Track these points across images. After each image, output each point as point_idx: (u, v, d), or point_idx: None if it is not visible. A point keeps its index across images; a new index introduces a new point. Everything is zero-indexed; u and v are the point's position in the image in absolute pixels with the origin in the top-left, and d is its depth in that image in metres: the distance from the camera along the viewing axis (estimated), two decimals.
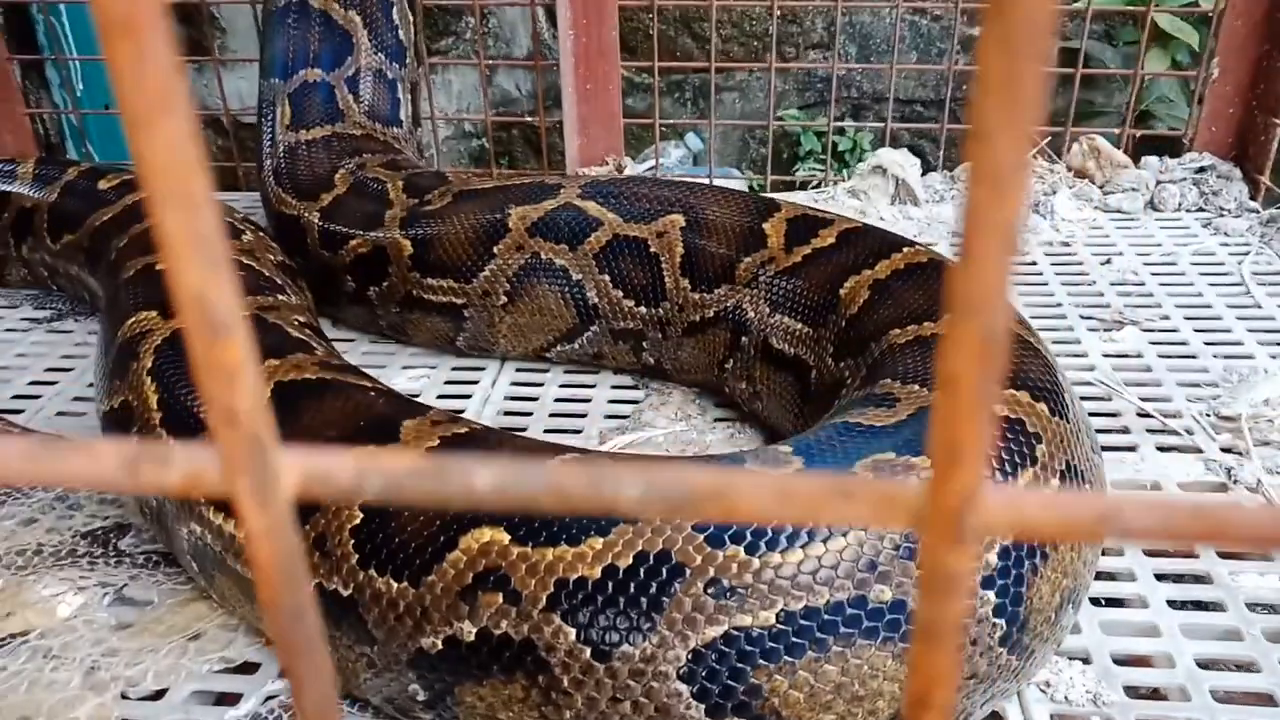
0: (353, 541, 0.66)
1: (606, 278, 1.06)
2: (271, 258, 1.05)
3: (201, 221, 0.13)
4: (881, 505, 0.14)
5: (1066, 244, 1.35)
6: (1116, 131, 1.48)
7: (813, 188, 1.95)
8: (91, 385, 1.12)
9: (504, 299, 1.08)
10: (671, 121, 1.95)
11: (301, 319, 0.93)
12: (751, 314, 1.00)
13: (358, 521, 0.67)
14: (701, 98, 2.14)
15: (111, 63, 0.12)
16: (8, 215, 1.27)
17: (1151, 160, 1.47)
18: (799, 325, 0.96)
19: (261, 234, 1.10)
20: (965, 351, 0.13)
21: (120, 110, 0.12)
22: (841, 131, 2.09)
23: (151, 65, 0.12)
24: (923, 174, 1.51)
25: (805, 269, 0.98)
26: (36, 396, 1.11)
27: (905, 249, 0.97)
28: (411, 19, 1.40)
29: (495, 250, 1.07)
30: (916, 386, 0.76)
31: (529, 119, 1.63)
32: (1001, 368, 0.13)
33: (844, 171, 2.06)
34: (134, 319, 0.88)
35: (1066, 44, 2.07)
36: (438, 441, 0.72)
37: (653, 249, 1.05)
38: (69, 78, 1.67)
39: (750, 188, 2.08)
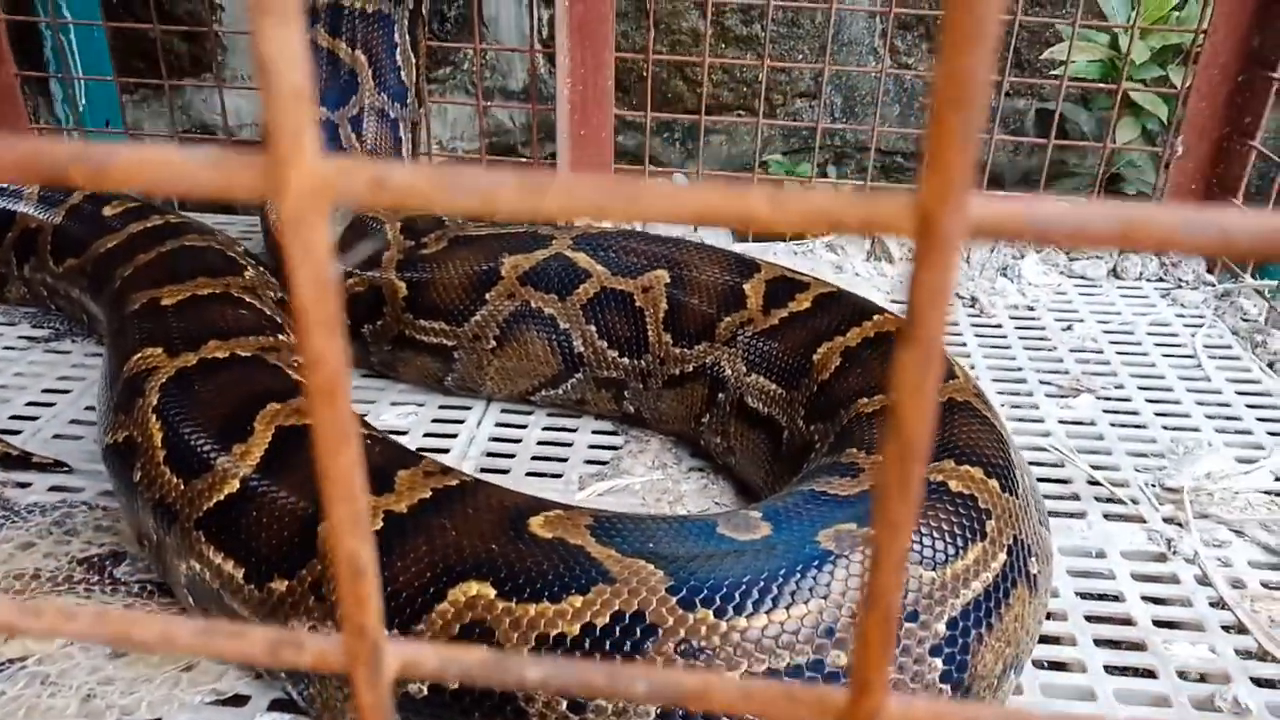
0: None
1: (593, 328, 1.11)
2: (271, 294, 1.09)
3: (358, 507, 0.17)
4: (816, 709, 0.19)
5: (1031, 308, 1.41)
6: (1085, 199, 1.55)
7: (792, 237, 2.01)
8: (89, 409, 1.16)
9: (493, 343, 1.13)
10: (662, 170, 2.01)
11: (300, 359, 0.98)
12: (729, 372, 1.05)
13: None
14: (690, 138, 2.20)
15: (309, 396, 0.17)
16: (11, 234, 1.31)
17: None
18: (773, 386, 1.01)
19: (262, 269, 1.14)
20: (872, 626, 0.19)
21: (307, 401, 0.17)
22: (824, 176, 2.16)
23: (340, 406, 0.17)
24: None
25: (781, 332, 1.03)
26: (34, 418, 1.14)
27: (876, 316, 1.02)
28: (414, 61, 1.44)
29: (487, 296, 1.11)
30: (880, 457, 0.82)
31: (524, 158, 1.68)
32: (891, 644, 0.18)
33: None
34: (140, 355, 0.92)
35: (1044, 105, 2.14)
36: (430, 493, 0.76)
37: (638, 303, 1.10)
38: (74, 95, 1.70)
39: (733, 229, 2.14)
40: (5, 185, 1.34)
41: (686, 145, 2.22)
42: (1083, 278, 1.48)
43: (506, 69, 2.17)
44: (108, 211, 1.25)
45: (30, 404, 1.17)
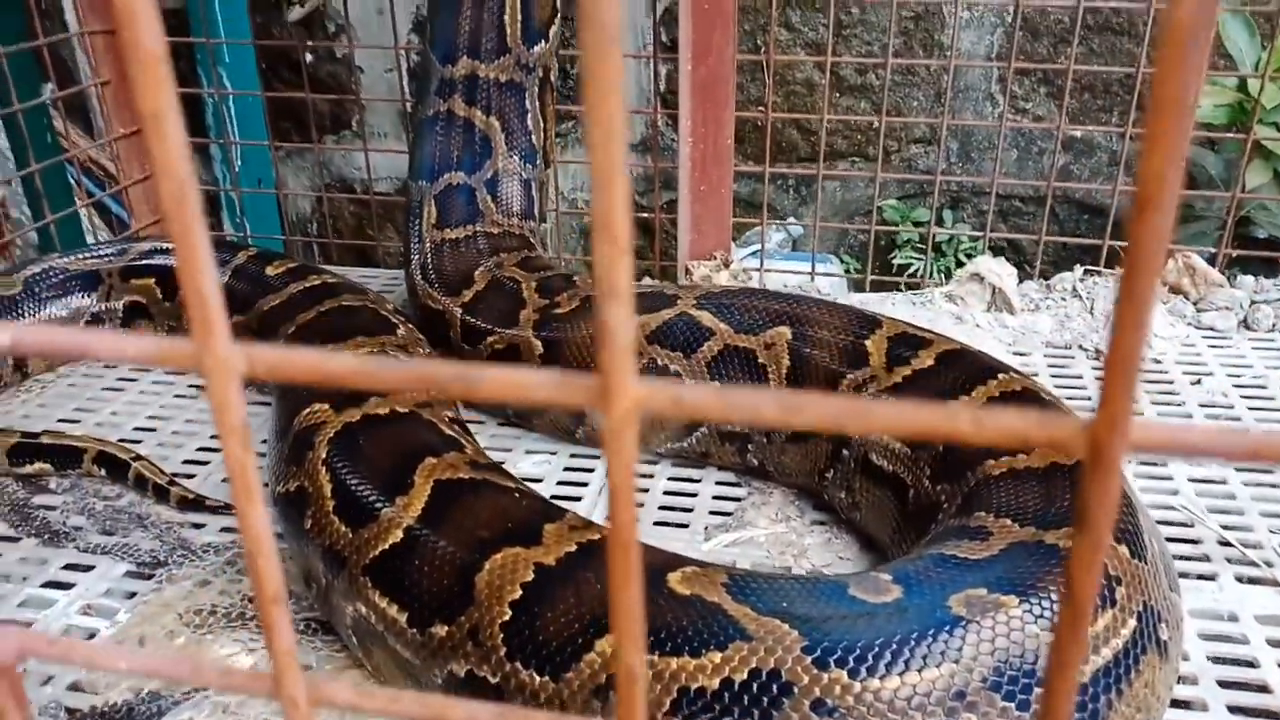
0: (502, 635, 0.77)
1: (717, 384, 1.16)
2: (422, 351, 1.17)
3: (637, 630, 0.23)
4: None
5: (1158, 361, 1.40)
6: (1213, 250, 1.53)
7: (909, 275, 2.03)
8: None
9: None
10: (777, 222, 2.05)
11: (450, 414, 1.05)
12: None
13: (507, 618, 0.77)
14: (804, 184, 2.24)
15: (610, 548, 0.22)
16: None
17: (1246, 280, 1.52)
18: (898, 445, 1.04)
19: (411, 326, 1.22)
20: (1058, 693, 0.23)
21: (609, 551, 0.22)
22: (941, 223, 2.16)
23: (633, 557, 0.22)
24: (1019, 281, 1.58)
25: (905, 390, 1.06)
26: (205, 463, 1.24)
27: (1000, 375, 1.04)
28: (543, 125, 1.52)
29: None
30: (1008, 521, 0.84)
31: (643, 214, 1.75)
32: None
33: (940, 262, 2.14)
34: (308, 410, 1.01)
35: None
36: (575, 547, 0.82)
37: (760, 360, 1.15)
38: (231, 156, 1.84)
39: (848, 271, 2.16)
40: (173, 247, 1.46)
41: (800, 191, 2.26)
42: (1212, 329, 1.46)
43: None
44: (270, 271, 1.36)
45: (201, 449, 1.28)
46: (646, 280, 1.74)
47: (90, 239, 1.67)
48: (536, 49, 1.47)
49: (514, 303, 1.25)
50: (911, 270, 2.11)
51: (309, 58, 2.22)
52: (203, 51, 1.78)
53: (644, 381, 0.21)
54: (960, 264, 1.82)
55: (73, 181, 1.69)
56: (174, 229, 0.22)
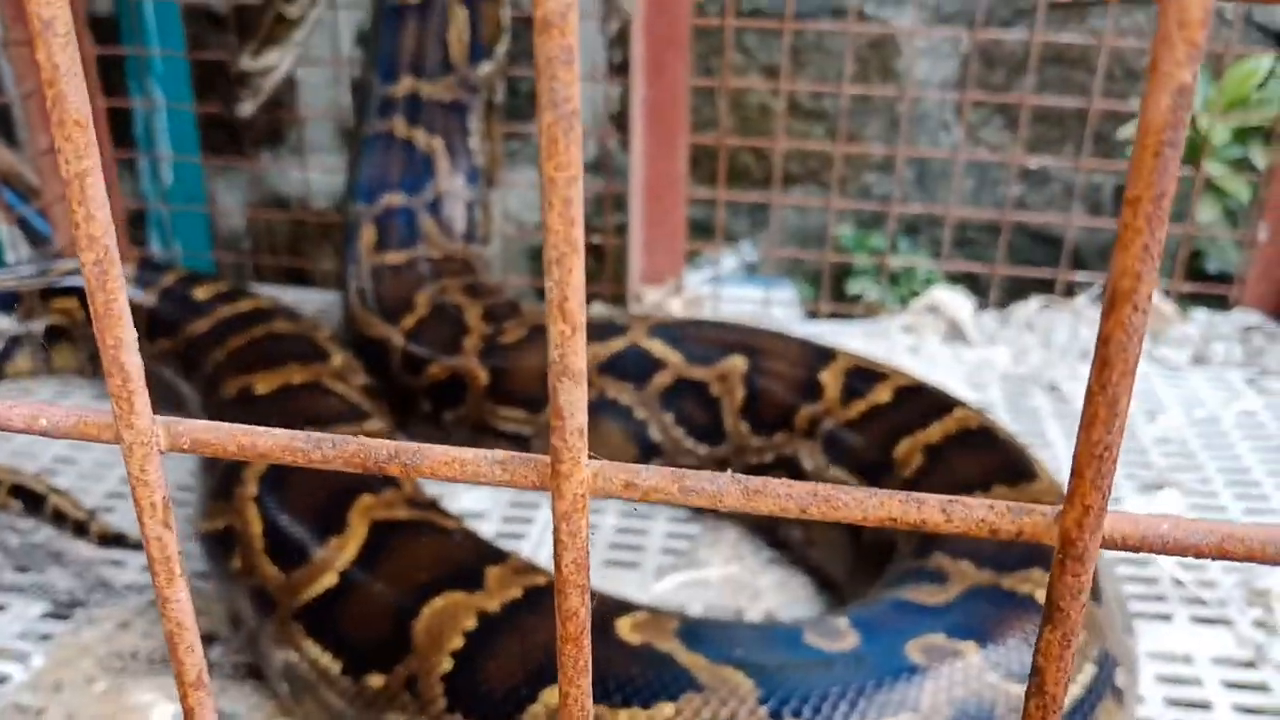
0: (442, 686, 0.72)
1: (669, 416, 1.12)
2: (358, 380, 1.12)
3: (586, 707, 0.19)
4: None
5: None
6: (1164, 288, 1.54)
7: (863, 304, 2.01)
8: (181, 490, 1.19)
9: None
10: (730, 246, 2.03)
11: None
12: (809, 464, 1.05)
13: (448, 668, 0.72)
14: (758, 208, 2.22)
15: (562, 640, 0.18)
16: None
17: (1199, 315, 1.52)
18: (854, 481, 1.01)
19: (348, 355, 1.17)
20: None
21: (560, 642, 0.19)
22: (895, 249, 2.16)
23: (584, 646, 0.18)
24: (977, 309, 1.57)
25: (861, 425, 1.04)
26: (126, 496, 1.18)
27: (957, 411, 1.02)
28: (489, 146, 1.49)
29: None
30: (966, 563, 0.81)
31: (594, 236, 1.72)
32: None
33: (896, 291, 2.13)
34: None
35: (1122, 181, 2.12)
36: (520, 592, 0.77)
37: (714, 392, 1.11)
38: (161, 172, 1.78)
39: (803, 299, 2.14)
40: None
41: (754, 215, 2.24)
42: (1164, 364, 1.46)
43: None
44: (199, 295, 1.30)
45: (124, 480, 1.21)
46: (597, 306, 1.71)
47: (10, 255, 1.60)
48: (481, 68, 1.44)
49: (457, 330, 1.20)
50: (865, 300, 2.10)
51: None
52: (133, 59, 1.71)
53: (596, 463, 0.19)
54: (915, 292, 1.81)
55: None
56: (97, 301, 0.23)
